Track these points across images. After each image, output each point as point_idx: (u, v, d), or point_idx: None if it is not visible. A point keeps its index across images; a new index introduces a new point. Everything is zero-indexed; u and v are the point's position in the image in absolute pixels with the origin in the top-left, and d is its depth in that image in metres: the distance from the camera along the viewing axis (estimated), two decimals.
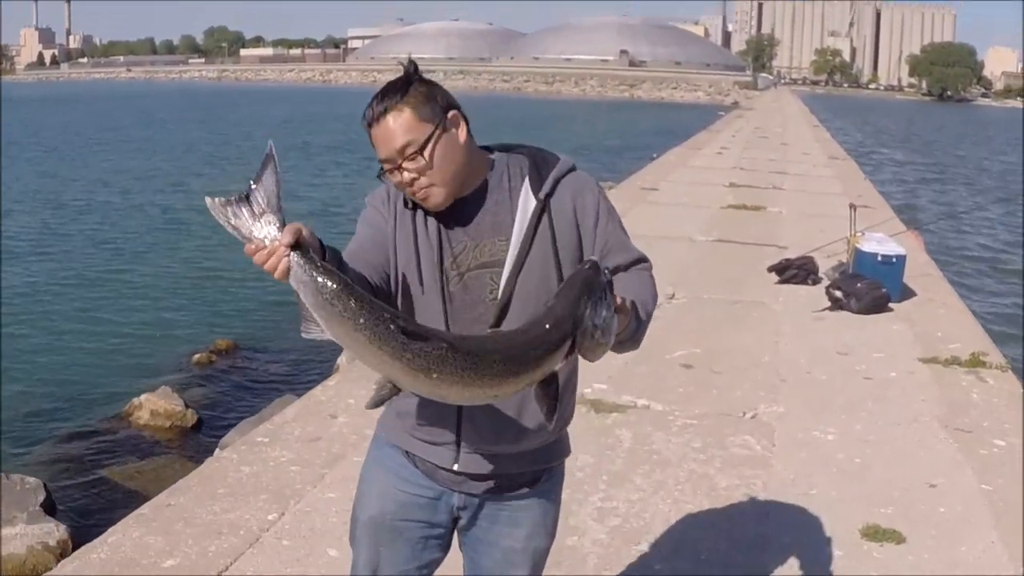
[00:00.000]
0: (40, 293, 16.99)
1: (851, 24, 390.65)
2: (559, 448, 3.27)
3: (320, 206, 27.65)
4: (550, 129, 61.25)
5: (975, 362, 9.25)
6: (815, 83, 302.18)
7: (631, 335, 2.91)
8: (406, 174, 2.89)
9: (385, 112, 2.88)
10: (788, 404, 7.94)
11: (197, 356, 13.39)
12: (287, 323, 15.39)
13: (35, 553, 7.22)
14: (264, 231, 2.47)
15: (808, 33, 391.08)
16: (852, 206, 12.89)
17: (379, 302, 2.52)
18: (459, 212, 3.02)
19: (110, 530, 5.58)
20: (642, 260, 3.15)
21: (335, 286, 2.44)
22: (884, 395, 8.29)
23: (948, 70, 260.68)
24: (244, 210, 2.49)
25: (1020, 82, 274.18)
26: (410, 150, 2.87)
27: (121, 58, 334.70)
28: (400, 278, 3.04)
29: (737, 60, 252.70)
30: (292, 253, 2.44)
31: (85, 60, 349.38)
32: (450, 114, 2.93)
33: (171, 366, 13.21)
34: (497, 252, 2.99)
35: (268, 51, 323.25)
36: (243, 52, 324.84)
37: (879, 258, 11.71)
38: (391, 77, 3.06)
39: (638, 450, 6.81)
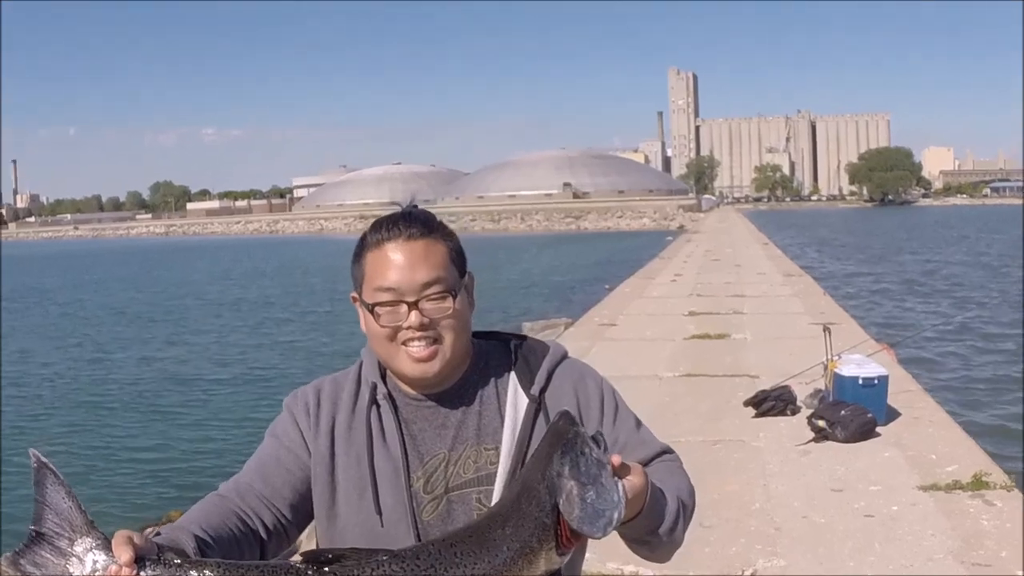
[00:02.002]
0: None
1: (788, 139, 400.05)
2: None
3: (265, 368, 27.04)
4: (501, 268, 61.04)
5: (978, 484, 8.70)
6: (757, 200, 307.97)
7: (657, 518, 2.23)
8: (414, 316, 2.28)
9: (417, 237, 2.32)
10: (789, 556, 7.27)
11: (149, 530, 12.54)
12: None
13: None
14: (88, 564, 1.84)
15: (747, 151, 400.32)
16: (826, 328, 12.39)
17: (284, 564, 1.92)
18: (432, 412, 2.42)
19: None
20: (666, 452, 2.53)
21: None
22: (891, 534, 7.66)
23: (887, 174, 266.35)
24: (45, 553, 1.86)
25: (959, 180, 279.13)
26: (437, 288, 2.31)
27: (68, 216, 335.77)
28: (327, 513, 2.41)
29: (679, 184, 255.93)
30: (142, 571, 1.84)
31: (32, 219, 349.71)
32: (467, 274, 2.41)
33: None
34: (484, 465, 2.38)
35: (215, 204, 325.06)
36: (190, 206, 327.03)
37: (860, 381, 11.16)
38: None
39: None
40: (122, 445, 17.73)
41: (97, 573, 1.84)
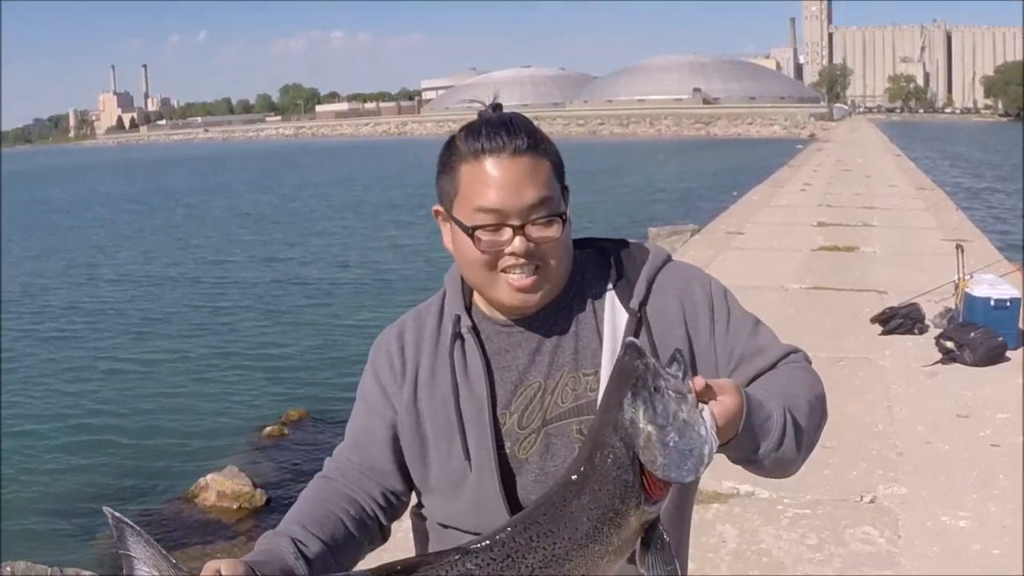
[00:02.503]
0: (102, 369, 16.50)
1: (923, 49, 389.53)
2: None
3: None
4: (630, 173, 60.51)
5: None
6: (890, 110, 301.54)
7: (757, 437, 1.96)
8: (519, 242, 2.06)
9: (523, 151, 2.08)
10: (910, 484, 7.04)
11: (268, 429, 12.90)
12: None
13: None
14: None
15: (880, 60, 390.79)
16: (958, 246, 12.00)
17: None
18: (525, 338, 2.22)
19: None
20: (790, 353, 2.25)
21: None
22: (1016, 467, 7.35)
23: None
24: None
25: None
26: (545, 211, 2.07)
27: (199, 119, 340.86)
28: (419, 463, 2.26)
29: (811, 91, 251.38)
30: None
31: (164, 122, 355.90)
32: (566, 190, 2.19)
33: (239, 441, 12.72)
34: (584, 392, 2.15)
35: (343, 106, 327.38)
36: (319, 108, 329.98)
37: (992, 303, 10.74)
38: None
39: (745, 551, 5.96)
40: (240, 347, 17.92)
41: None
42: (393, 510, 2.31)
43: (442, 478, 2.22)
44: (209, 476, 10.64)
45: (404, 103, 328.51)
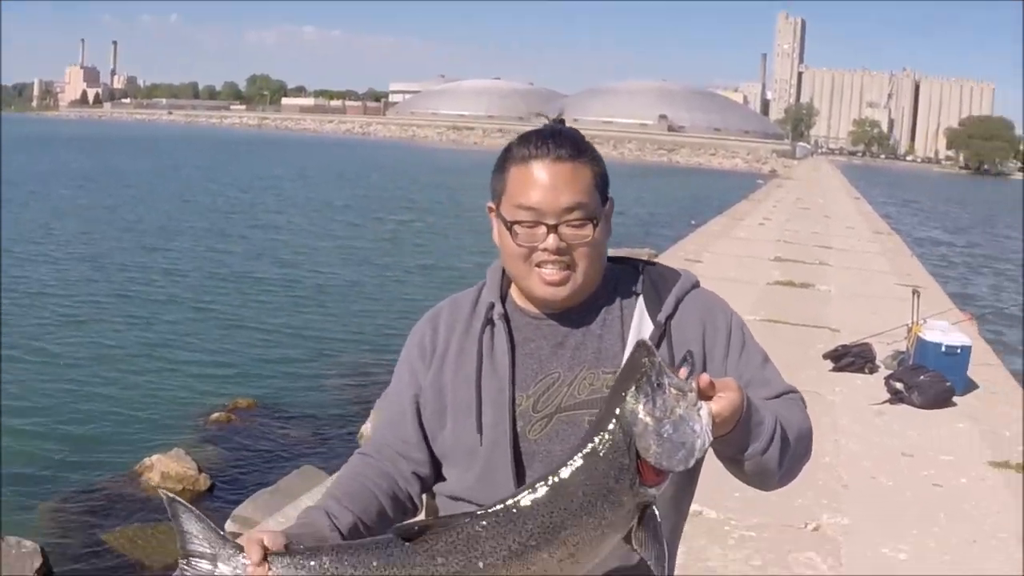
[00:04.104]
0: (49, 343, 16.30)
1: (890, 95, 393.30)
2: None
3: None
4: None
5: None
6: (852, 153, 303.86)
7: (748, 436, 2.13)
8: (552, 240, 2.25)
9: (566, 158, 2.27)
10: (853, 514, 7.21)
11: (215, 415, 12.86)
12: (310, 382, 14.85)
13: None
14: (230, 568, 2.09)
15: (847, 103, 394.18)
16: (915, 292, 12.22)
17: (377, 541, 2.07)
18: (551, 330, 2.38)
19: None
20: (791, 391, 2.45)
21: (328, 560, 2.05)
22: (957, 507, 7.56)
23: (986, 143, 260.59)
24: (200, 566, 2.10)
25: None
26: (579, 214, 2.26)
27: (163, 100, 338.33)
28: (437, 435, 2.43)
29: (775, 128, 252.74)
30: (272, 564, 2.05)
31: (128, 101, 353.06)
32: (609, 200, 2.36)
33: (186, 425, 12.68)
34: (600, 388, 2.30)
35: (309, 101, 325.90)
36: (284, 101, 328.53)
37: (943, 348, 10.99)
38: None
39: (691, 567, 6.09)
40: (179, 337, 17.47)
41: (237, 571, 2.05)
42: (422, 483, 2.47)
43: (457, 449, 2.39)
44: (155, 456, 10.61)
45: (370, 104, 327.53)
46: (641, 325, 2.36)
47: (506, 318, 2.41)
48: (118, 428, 12.46)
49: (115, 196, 43.03)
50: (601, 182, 2.32)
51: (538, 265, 2.29)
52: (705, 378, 1.97)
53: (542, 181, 2.25)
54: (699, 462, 2.04)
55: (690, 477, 2.39)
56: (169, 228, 32.89)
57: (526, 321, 2.41)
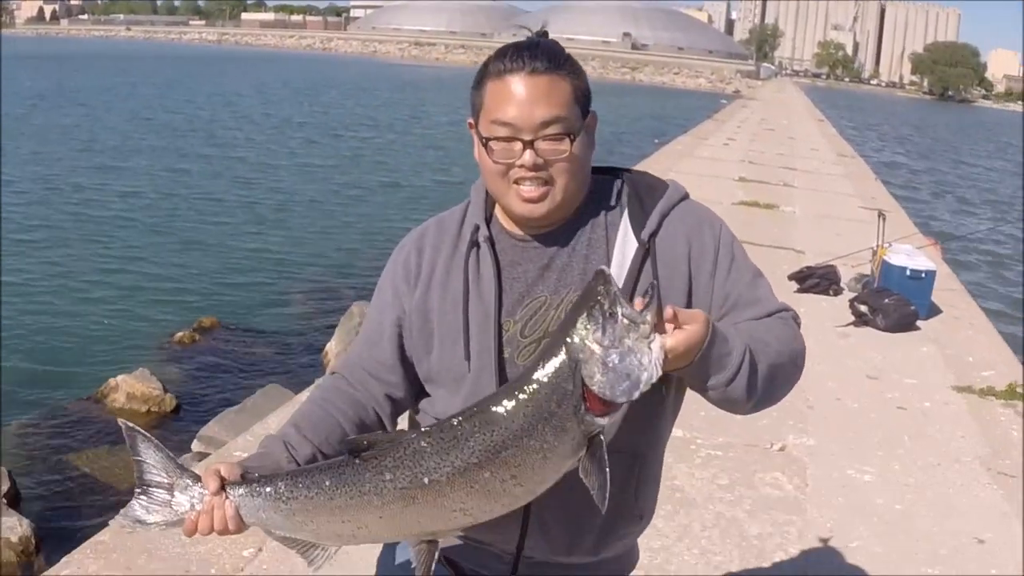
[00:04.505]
0: (6, 268, 15.88)
1: (855, 19, 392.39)
2: (632, 558, 2.58)
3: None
4: None
5: (1011, 394, 8.66)
6: (816, 76, 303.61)
7: (710, 369, 2.07)
8: (528, 156, 2.18)
9: (542, 71, 2.20)
10: (819, 436, 7.28)
11: (179, 335, 12.80)
12: (274, 301, 14.79)
13: None
14: (186, 501, 2.17)
15: (812, 26, 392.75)
16: (881, 214, 12.23)
17: (328, 463, 2.16)
18: (537, 253, 2.33)
19: (64, 560, 4.92)
20: (782, 310, 2.38)
21: (284, 485, 2.13)
22: (921, 430, 7.64)
23: (951, 70, 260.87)
24: (152, 501, 2.18)
25: (1021, 86, 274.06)
26: (556, 128, 2.19)
27: (121, 16, 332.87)
28: (423, 360, 2.40)
29: (740, 48, 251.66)
30: (229, 493, 2.13)
31: (85, 17, 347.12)
32: (590, 114, 2.29)
33: (150, 344, 12.60)
34: None
35: (269, 16, 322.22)
36: (244, 16, 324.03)
37: (908, 272, 11.03)
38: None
39: None
40: (143, 257, 17.18)
41: (196, 505, 2.13)
42: (395, 405, 2.45)
43: (444, 374, 2.36)
44: (120, 377, 10.52)
45: (331, 19, 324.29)
46: (625, 244, 2.30)
47: (491, 241, 2.37)
48: (82, 350, 12.35)
49: (70, 115, 42.08)
50: (581, 96, 2.26)
51: (516, 182, 2.24)
52: (670, 310, 1.94)
53: (518, 95, 2.19)
54: (667, 392, 2.12)
55: (665, 419, 2.42)
56: (126, 147, 32.17)
57: (511, 244, 2.37)
